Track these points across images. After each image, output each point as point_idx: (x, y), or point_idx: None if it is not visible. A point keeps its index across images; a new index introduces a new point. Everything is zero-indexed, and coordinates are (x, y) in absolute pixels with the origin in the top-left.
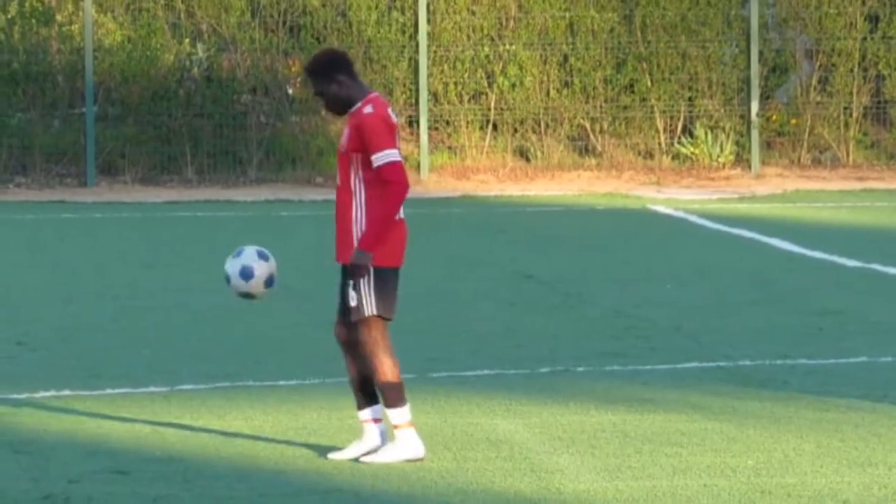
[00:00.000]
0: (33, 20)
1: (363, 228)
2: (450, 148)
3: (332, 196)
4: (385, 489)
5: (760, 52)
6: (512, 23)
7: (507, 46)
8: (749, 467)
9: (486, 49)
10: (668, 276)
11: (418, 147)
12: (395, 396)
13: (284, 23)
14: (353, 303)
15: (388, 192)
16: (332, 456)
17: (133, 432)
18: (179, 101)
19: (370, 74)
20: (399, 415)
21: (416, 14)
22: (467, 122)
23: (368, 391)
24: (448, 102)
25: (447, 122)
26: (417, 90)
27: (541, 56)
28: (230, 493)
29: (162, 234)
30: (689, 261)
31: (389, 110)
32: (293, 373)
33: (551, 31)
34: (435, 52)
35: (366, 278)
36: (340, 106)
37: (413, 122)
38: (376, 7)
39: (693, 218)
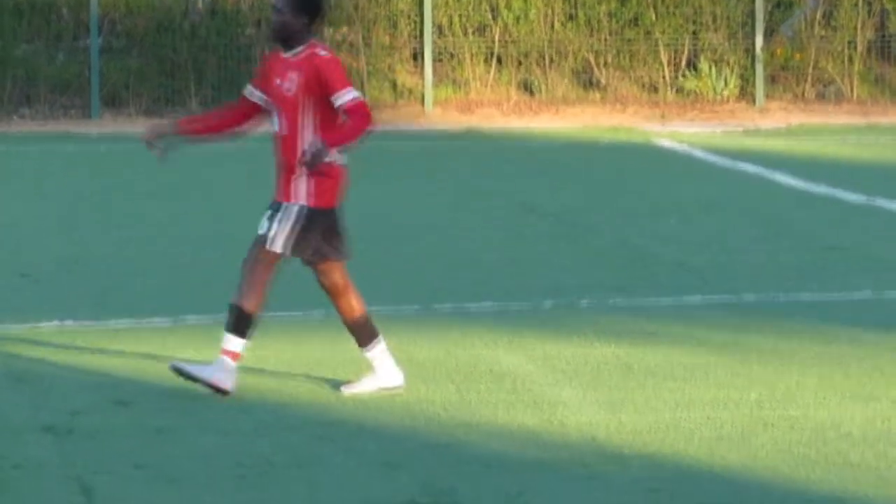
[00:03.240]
0: None
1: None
2: (454, 81)
3: None
4: (387, 421)
5: None
6: None
7: None
8: (752, 400)
9: None
10: (673, 210)
11: (423, 80)
12: (240, 327)
13: None
14: (264, 231)
15: (358, 121)
16: (344, 389)
17: (136, 364)
18: (184, 33)
19: (375, 8)
20: (232, 343)
21: None
22: (472, 56)
23: (364, 328)
24: (453, 35)
25: (451, 56)
26: (422, 23)
27: None
28: (233, 425)
29: (166, 165)
30: (693, 195)
31: None
32: (297, 304)
33: None
34: None
35: (294, 216)
36: (283, 36)
37: (417, 56)
38: None
39: (697, 152)
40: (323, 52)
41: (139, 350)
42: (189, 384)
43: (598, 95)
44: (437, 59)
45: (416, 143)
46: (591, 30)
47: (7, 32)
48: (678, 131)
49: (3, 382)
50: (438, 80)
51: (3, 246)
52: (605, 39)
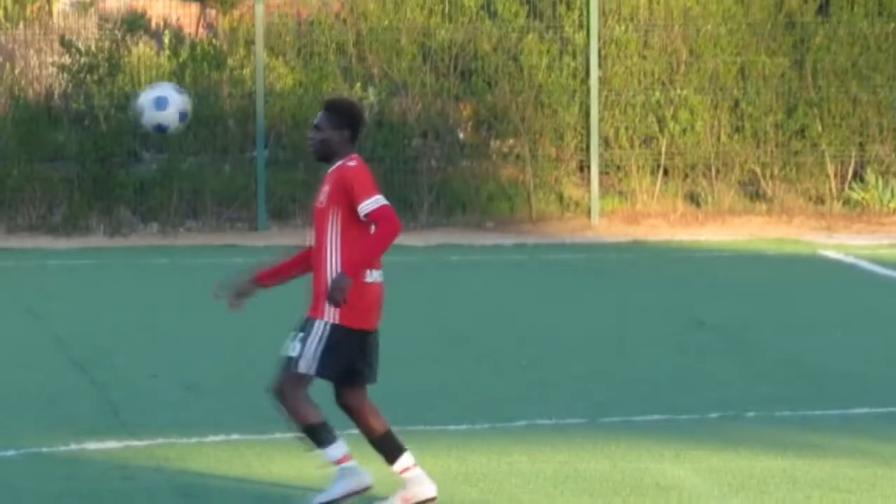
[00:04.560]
0: (205, 64)
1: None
2: (620, 193)
3: (504, 241)
4: None
5: None
6: (683, 68)
7: (678, 91)
8: None
9: (657, 94)
10: (839, 322)
11: (589, 192)
12: (318, 439)
13: (456, 67)
14: (292, 353)
15: (382, 230)
16: None
17: (302, 476)
18: None
19: (541, 119)
20: (331, 452)
21: (587, 59)
22: (638, 167)
23: (389, 445)
24: (619, 147)
25: (618, 167)
26: (588, 135)
27: (712, 101)
28: None
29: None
30: (859, 307)
31: None
32: (462, 418)
33: (722, 77)
34: (606, 96)
35: (319, 337)
36: (326, 151)
37: (584, 167)
38: (548, 52)
39: (864, 264)
40: (351, 163)
41: (304, 463)
42: (370, 498)
43: (764, 207)
44: (603, 171)
45: (583, 254)
46: (758, 141)
47: (173, 145)
48: (844, 243)
49: (169, 497)
50: (605, 191)
51: (170, 358)
52: (772, 151)
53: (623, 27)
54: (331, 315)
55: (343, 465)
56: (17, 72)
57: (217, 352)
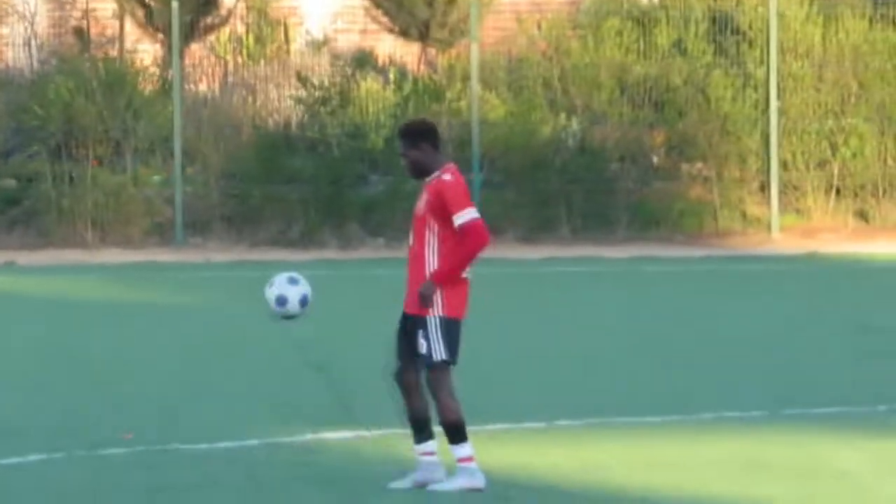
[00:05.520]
0: (426, 97)
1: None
2: (797, 210)
3: (693, 253)
4: None
5: None
6: (853, 99)
7: (849, 120)
8: None
9: (830, 122)
10: None
11: (769, 209)
12: (457, 434)
13: (650, 99)
14: (422, 350)
15: (469, 242)
16: (392, 485)
17: (512, 464)
18: (555, 169)
19: (725, 145)
20: (461, 450)
21: (767, 91)
22: (813, 188)
23: (422, 427)
24: (796, 169)
25: (795, 188)
26: (769, 159)
27: (878, 129)
28: None
29: (542, 287)
30: None
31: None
32: (656, 410)
33: (888, 107)
34: (784, 125)
35: (435, 327)
36: (418, 170)
37: (764, 188)
38: (732, 85)
39: None
40: (447, 177)
41: (515, 451)
42: (562, 480)
43: None
44: (781, 191)
45: (763, 265)
46: None
47: (397, 169)
48: None
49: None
50: (783, 209)
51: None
52: None
53: (800, 63)
54: (437, 310)
55: (467, 464)
56: (258, 104)
57: None
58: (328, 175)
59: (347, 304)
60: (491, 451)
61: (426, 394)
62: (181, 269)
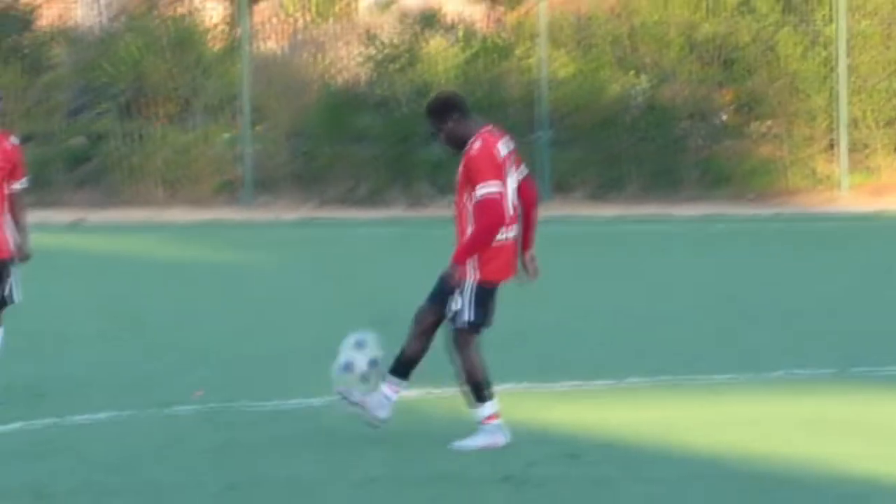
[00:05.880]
0: (494, 55)
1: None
2: (867, 168)
3: (762, 211)
4: (785, 477)
5: None
6: None
7: None
8: None
9: None
10: None
11: (838, 167)
12: (479, 395)
13: (719, 57)
14: (455, 306)
15: (483, 219)
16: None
17: (582, 421)
18: (624, 126)
19: (795, 103)
20: (483, 410)
21: (836, 49)
22: (882, 146)
23: (404, 366)
24: (865, 127)
25: (864, 146)
26: (838, 117)
27: None
28: (664, 473)
29: (611, 246)
30: None
31: (500, 143)
32: (726, 368)
33: None
34: (853, 82)
35: (470, 290)
36: (455, 142)
37: (833, 146)
38: (800, 43)
39: None
40: (476, 146)
41: (585, 409)
42: (629, 437)
43: None
44: (851, 149)
45: (832, 223)
46: None
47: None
48: None
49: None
50: (852, 167)
51: None
52: None
53: (868, 21)
54: (473, 276)
55: (488, 423)
56: (326, 62)
57: (504, 309)
58: (396, 133)
59: (414, 263)
60: (561, 408)
61: (428, 344)
62: (249, 228)
